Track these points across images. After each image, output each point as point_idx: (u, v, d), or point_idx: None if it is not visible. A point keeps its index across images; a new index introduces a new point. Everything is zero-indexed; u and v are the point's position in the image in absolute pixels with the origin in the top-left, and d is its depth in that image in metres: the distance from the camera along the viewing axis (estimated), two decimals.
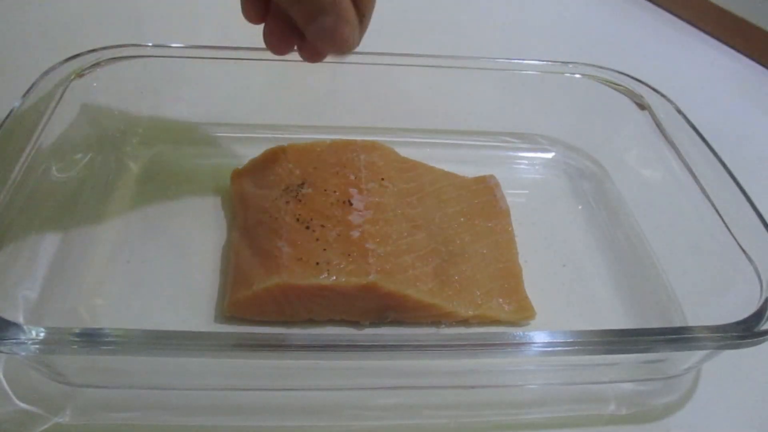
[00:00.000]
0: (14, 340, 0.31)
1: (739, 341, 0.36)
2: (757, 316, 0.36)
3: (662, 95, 0.53)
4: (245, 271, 0.42)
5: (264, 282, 0.40)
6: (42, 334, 0.32)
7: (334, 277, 0.40)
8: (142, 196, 0.50)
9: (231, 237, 0.46)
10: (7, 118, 0.42)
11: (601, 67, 0.56)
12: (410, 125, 0.58)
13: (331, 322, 0.42)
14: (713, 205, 0.44)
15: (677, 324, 0.43)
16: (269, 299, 0.40)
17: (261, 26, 0.43)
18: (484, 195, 0.50)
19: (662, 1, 0.88)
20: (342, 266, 0.41)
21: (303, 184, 0.46)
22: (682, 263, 0.47)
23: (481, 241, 0.46)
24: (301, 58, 0.43)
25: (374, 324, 0.42)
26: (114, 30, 0.68)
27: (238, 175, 0.49)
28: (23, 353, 0.33)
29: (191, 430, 0.37)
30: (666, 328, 0.39)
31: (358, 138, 0.51)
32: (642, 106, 0.53)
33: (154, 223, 0.47)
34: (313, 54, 0.42)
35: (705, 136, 0.49)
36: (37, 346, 0.32)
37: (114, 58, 0.50)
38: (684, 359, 0.40)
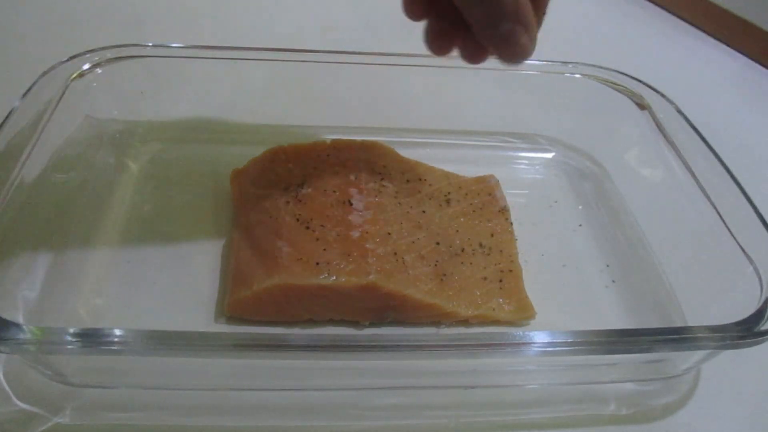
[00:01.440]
0: (14, 340, 0.31)
1: (739, 341, 0.36)
2: (757, 316, 0.36)
3: (662, 95, 0.53)
4: (245, 271, 0.42)
5: (264, 282, 0.40)
6: (42, 334, 0.32)
7: (334, 277, 0.40)
8: (142, 196, 0.50)
9: (231, 237, 0.46)
10: (7, 118, 0.42)
11: (601, 67, 0.56)
12: (410, 125, 0.58)
13: (331, 322, 0.42)
14: (713, 205, 0.44)
15: (677, 324, 0.43)
16: (269, 299, 0.40)
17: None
18: (484, 195, 0.50)
19: (662, 1, 0.88)
20: (342, 266, 0.41)
21: (303, 184, 0.46)
22: (682, 263, 0.47)
23: (481, 241, 0.46)
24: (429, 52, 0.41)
25: (374, 324, 0.42)
26: (114, 30, 0.68)
27: (238, 175, 0.49)
28: (23, 353, 0.33)
29: (191, 430, 0.37)
30: (666, 328, 0.39)
31: (358, 138, 0.51)
32: (642, 106, 0.53)
33: (154, 223, 0.47)
34: (476, 56, 0.40)
35: (705, 136, 0.49)
36: (37, 346, 0.32)
37: (114, 58, 0.50)
38: (684, 359, 0.40)
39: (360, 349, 0.34)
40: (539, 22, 0.37)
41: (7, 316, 0.32)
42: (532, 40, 0.36)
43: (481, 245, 0.46)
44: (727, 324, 0.36)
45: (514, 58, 0.36)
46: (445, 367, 0.41)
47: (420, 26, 0.40)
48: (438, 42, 0.40)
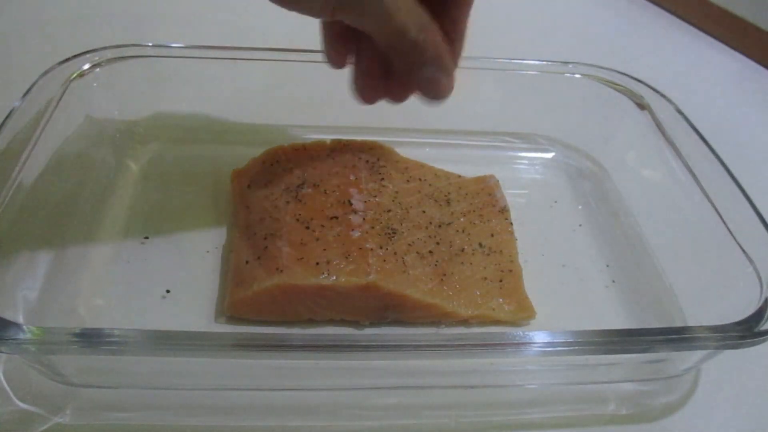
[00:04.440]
0: (14, 340, 0.32)
1: (739, 341, 0.36)
2: (757, 316, 0.36)
3: (662, 95, 0.53)
4: (245, 271, 0.42)
5: (264, 282, 0.40)
6: (42, 334, 0.32)
7: (334, 277, 0.40)
8: (142, 196, 0.50)
9: (231, 237, 0.46)
10: (7, 118, 0.42)
11: (601, 67, 0.56)
12: (410, 125, 0.58)
13: (331, 322, 0.42)
14: (713, 205, 0.44)
15: (677, 324, 0.43)
16: (269, 299, 0.40)
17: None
18: (484, 195, 0.50)
19: (662, 1, 0.88)
20: (342, 266, 0.41)
21: (303, 184, 0.46)
22: (682, 263, 0.47)
23: (481, 241, 0.46)
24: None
25: (374, 324, 0.42)
26: (114, 30, 0.68)
27: (238, 175, 0.49)
28: (23, 353, 0.33)
29: (191, 430, 0.37)
30: (666, 328, 0.39)
31: (358, 138, 0.51)
32: (642, 106, 0.53)
33: (154, 223, 0.47)
34: (400, 97, 0.44)
35: (705, 136, 0.49)
36: (37, 346, 0.32)
37: (114, 58, 0.50)
38: (684, 359, 0.40)
39: (360, 349, 0.34)
40: (455, 62, 0.41)
41: (7, 316, 0.32)
42: (451, 82, 0.40)
43: (481, 245, 0.46)
44: (727, 324, 0.36)
45: (436, 97, 0.40)
46: (445, 367, 0.41)
47: None
48: (369, 93, 0.44)
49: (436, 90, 0.40)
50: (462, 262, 0.44)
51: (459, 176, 0.51)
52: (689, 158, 0.47)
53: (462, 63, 0.55)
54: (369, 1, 0.36)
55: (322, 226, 0.43)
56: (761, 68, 0.77)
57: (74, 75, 0.48)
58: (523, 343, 0.35)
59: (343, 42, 0.42)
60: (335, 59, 0.43)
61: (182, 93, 0.55)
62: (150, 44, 0.52)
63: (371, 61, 0.42)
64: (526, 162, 0.58)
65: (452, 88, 0.40)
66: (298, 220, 0.44)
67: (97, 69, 0.49)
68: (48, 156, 0.43)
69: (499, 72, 0.56)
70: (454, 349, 0.35)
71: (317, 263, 0.41)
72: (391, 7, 0.36)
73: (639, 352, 0.38)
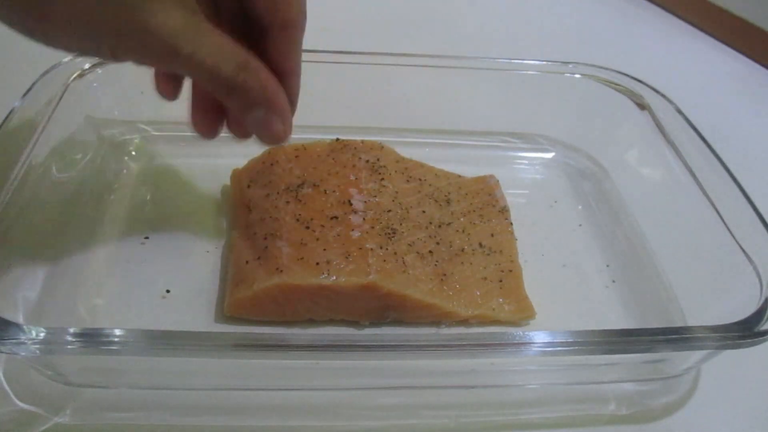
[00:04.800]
0: (14, 340, 0.32)
1: (739, 341, 0.36)
2: (757, 316, 0.36)
3: (662, 95, 0.53)
4: (245, 271, 0.42)
5: (264, 282, 0.40)
6: (42, 334, 0.32)
7: (334, 277, 0.40)
8: (142, 196, 0.50)
9: (231, 237, 0.46)
10: (7, 118, 0.42)
11: (601, 67, 0.56)
12: (410, 125, 0.58)
13: (331, 322, 0.42)
14: (713, 205, 0.44)
15: (677, 324, 0.43)
16: (269, 299, 0.40)
17: None
18: (484, 195, 0.50)
19: (662, 1, 0.88)
20: (342, 266, 0.41)
21: (303, 184, 0.46)
22: (682, 263, 0.47)
23: (481, 241, 0.46)
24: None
25: (374, 324, 0.42)
26: None
27: (238, 175, 0.49)
28: (23, 353, 0.33)
29: (191, 430, 0.37)
30: (666, 328, 0.39)
31: (358, 138, 0.51)
32: (642, 106, 0.53)
33: (153, 223, 0.47)
34: (241, 134, 0.41)
35: (705, 136, 0.49)
36: (37, 346, 0.32)
37: None
38: (684, 359, 0.40)
39: (360, 349, 0.34)
40: (293, 106, 0.38)
41: (7, 316, 0.32)
42: (285, 124, 0.37)
43: (481, 245, 0.46)
44: (727, 324, 0.36)
45: (270, 142, 0.38)
46: (445, 367, 0.41)
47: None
48: (206, 129, 0.40)
49: (268, 134, 0.37)
50: (462, 262, 0.44)
51: (459, 176, 0.52)
52: (689, 158, 0.47)
53: (463, 63, 0.56)
54: (150, 41, 0.30)
55: (322, 226, 0.43)
56: (761, 68, 0.77)
57: (74, 75, 0.48)
58: (523, 343, 0.35)
59: (174, 77, 0.39)
60: (166, 93, 0.39)
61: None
62: None
63: (205, 98, 0.39)
64: (526, 162, 0.58)
65: (289, 132, 0.37)
66: (298, 220, 0.44)
67: (97, 69, 0.49)
68: (48, 156, 0.43)
69: (499, 72, 0.56)
70: (454, 349, 0.35)
71: (317, 263, 0.41)
72: (185, 46, 0.31)
73: (639, 352, 0.38)
